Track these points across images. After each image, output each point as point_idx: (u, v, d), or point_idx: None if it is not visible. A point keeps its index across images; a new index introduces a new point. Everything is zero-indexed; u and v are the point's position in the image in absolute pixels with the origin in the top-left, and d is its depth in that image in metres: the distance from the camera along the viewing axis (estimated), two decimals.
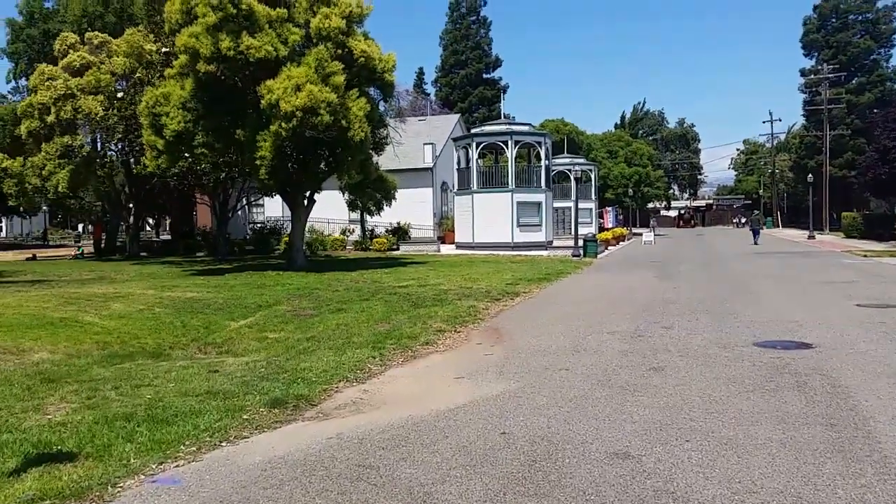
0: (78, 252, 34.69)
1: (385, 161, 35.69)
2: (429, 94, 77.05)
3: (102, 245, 36.85)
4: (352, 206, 32.90)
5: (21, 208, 48.46)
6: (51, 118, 29.05)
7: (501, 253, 28.91)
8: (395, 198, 33.71)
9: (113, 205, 35.40)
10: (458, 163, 33.90)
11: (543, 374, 7.34)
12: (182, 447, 5.25)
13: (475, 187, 31.67)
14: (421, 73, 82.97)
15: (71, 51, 30.89)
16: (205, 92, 19.77)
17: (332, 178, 24.70)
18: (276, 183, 20.18)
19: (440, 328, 10.65)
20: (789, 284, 16.20)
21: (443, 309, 12.71)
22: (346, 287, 16.59)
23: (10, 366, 8.65)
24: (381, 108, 23.70)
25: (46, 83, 29.19)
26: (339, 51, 19.76)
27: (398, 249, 32.76)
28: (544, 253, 28.79)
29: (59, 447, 5.23)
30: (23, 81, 37.53)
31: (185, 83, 19.97)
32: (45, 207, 65.77)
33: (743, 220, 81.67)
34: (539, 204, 31.56)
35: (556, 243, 33.02)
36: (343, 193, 26.06)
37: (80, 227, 75.37)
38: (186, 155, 20.60)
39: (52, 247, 51.66)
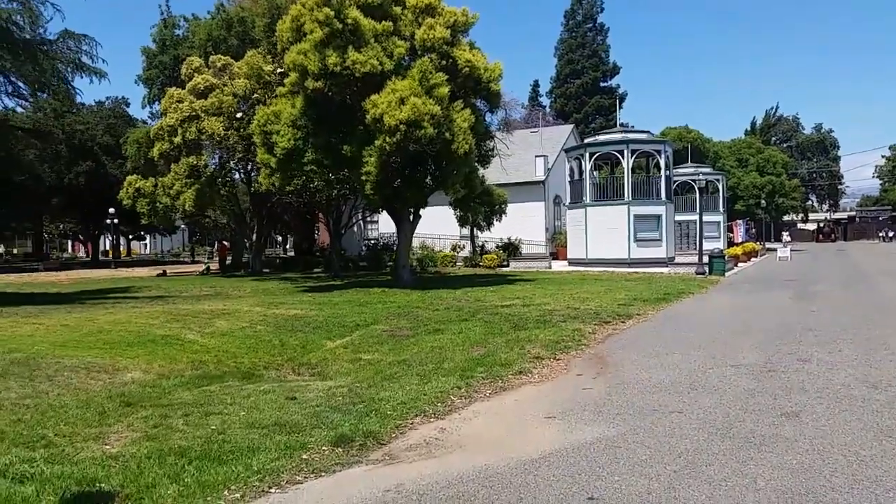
0: (205, 269, 36.39)
1: (494, 174, 35.09)
2: (544, 107, 76.02)
3: (228, 262, 38.54)
4: (461, 221, 32.56)
5: (160, 227, 52.00)
6: (177, 139, 30.62)
7: (617, 270, 27.39)
8: (505, 212, 33.16)
9: (238, 222, 36.89)
10: (571, 175, 32.68)
11: (650, 418, 6.29)
12: (227, 492, 4.72)
13: (588, 200, 30.32)
14: (536, 85, 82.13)
15: (196, 74, 32.51)
16: (313, 109, 19.93)
17: (442, 194, 24.41)
18: (381, 198, 19.98)
19: (538, 355, 9.75)
20: None
21: (544, 332, 11.78)
22: (447, 306, 15.97)
23: (99, 385, 8.60)
24: (488, 119, 23.04)
25: (174, 106, 30.85)
26: (444, 62, 19.33)
27: (508, 266, 31.91)
28: (665, 270, 26.99)
29: (102, 485, 4.85)
30: (156, 106, 40.04)
31: (295, 101, 20.23)
32: (182, 226, 70.55)
33: (891, 234, 74.37)
34: (659, 217, 29.73)
35: (678, 260, 30.98)
36: (452, 209, 25.58)
37: (216, 244, 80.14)
38: (296, 173, 20.79)
39: (184, 263, 54.94)
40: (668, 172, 31.27)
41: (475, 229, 33.73)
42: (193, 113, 30.46)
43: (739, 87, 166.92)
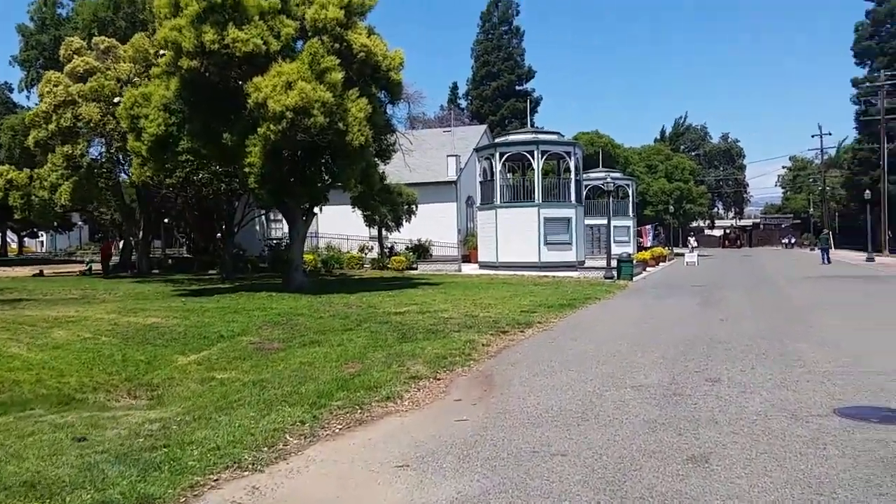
0: (86, 268, 33.26)
1: (404, 174, 33.71)
2: (462, 109, 75.21)
3: (114, 261, 35.44)
4: (369, 221, 31.00)
5: (39, 223, 47.69)
6: (52, 126, 27.73)
7: (527, 273, 26.43)
8: (414, 213, 31.81)
9: (125, 218, 33.95)
10: (483, 175, 31.60)
11: (525, 465, 4.93)
12: None
13: (499, 201, 29.30)
14: (455, 87, 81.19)
15: (76, 56, 29.56)
16: (190, 92, 17.93)
17: (349, 193, 22.74)
18: (267, 193, 18.14)
19: (417, 373, 8.32)
20: (860, 317, 13.43)
21: (433, 344, 10.40)
22: (334, 313, 14.37)
23: None
24: (389, 111, 21.54)
25: (49, 90, 27.89)
26: (337, 45, 17.72)
27: (416, 268, 30.51)
28: (574, 274, 26.24)
29: None
30: (35, 91, 36.52)
31: (170, 83, 18.16)
32: (79, 222, 65.55)
33: (793, 240, 77.59)
34: (569, 220, 29.01)
35: (589, 263, 30.40)
36: (351, 207, 23.88)
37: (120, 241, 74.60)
38: (171, 163, 18.66)
39: (75, 262, 50.67)
40: (578, 175, 30.66)
41: (383, 230, 32.17)
42: (69, 97, 27.63)
43: (650, 97, 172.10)
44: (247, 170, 17.50)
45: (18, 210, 31.28)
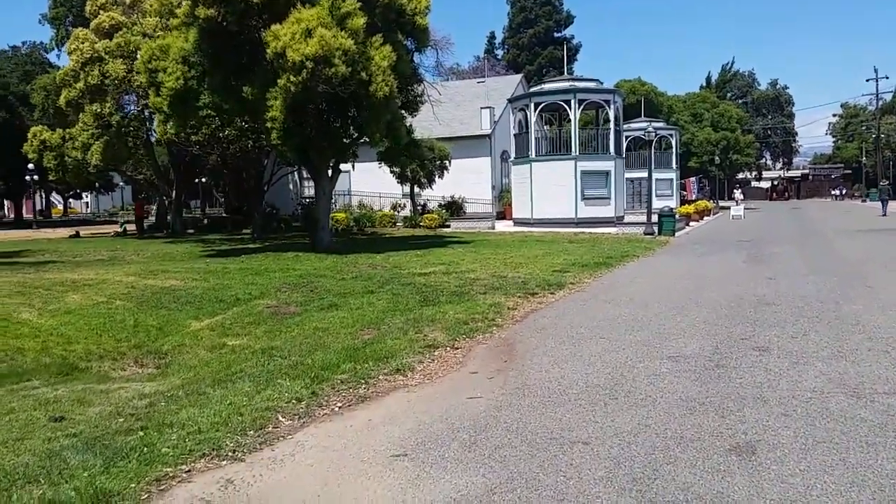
0: (121, 229, 33.42)
1: (437, 127, 32.81)
2: (499, 60, 73.24)
3: (150, 221, 35.60)
4: (401, 178, 30.27)
5: (73, 183, 48.07)
6: (80, 85, 27.47)
7: (563, 230, 25.53)
8: (447, 168, 30.96)
9: (159, 178, 33.87)
10: (519, 128, 30.46)
11: (540, 456, 4.28)
12: None
13: (533, 155, 28.23)
14: (492, 37, 79.06)
15: (101, 11, 29.12)
16: (210, 43, 17.26)
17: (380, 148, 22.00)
18: (291, 149, 17.50)
19: (433, 341, 7.70)
20: None
21: (456, 308, 9.77)
22: (357, 274, 13.82)
23: None
24: (416, 60, 20.54)
25: (76, 47, 27.56)
26: None
27: (449, 226, 29.81)
28: (612, 230, 25.23)
29: None
30: (64, 49, 36.30)
31: (189, 35, 17.51)
32: (121, 183, 66.25)
33: (844, 192, 74.41)
34: (607, 173, 27.82)
35: (629, 219, 29.25)
36: (378, 163, 23.12)
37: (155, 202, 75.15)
38: (192, 119, 18.14)
39: (112, 223, 51.32)
40: (618, 126, 29.31)
41: (416, 187, 31.44)
42: (96, 54, 27.25)
43: (695, 42, 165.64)
44: (269, 125, 16.89)
45: (52, 171, 31.33)
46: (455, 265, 14.84)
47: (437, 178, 30.61)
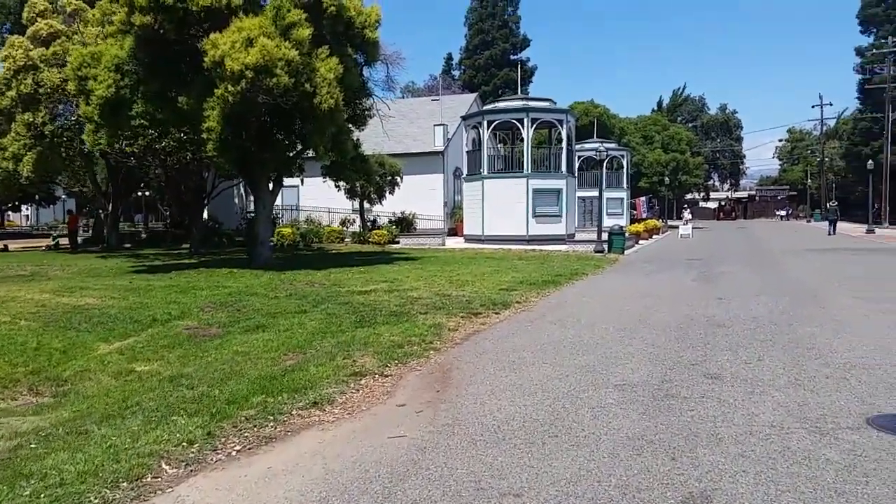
0: (53, 243, 31.75)
1: (390, 144, 32.24)
2: (456, 80, 73.16)
3: (86, 234, 33.95)
4: (350, 193, 29.53)
5: (35, 196, 45.83)
6: (11, 93, 26.00)
7: (514, 247, 25.10)
8: (398, 184, 30.34)
9: (95, 191, 32.34)
10: (471, 145, 30.04)
11: None
12: None
13: (486, 172, 27.82)
14: (449, 58, 78.82)
15: (39, 19, 27.76)
16: (145, 52, 16.37)
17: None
18: (228, 160, 16.64)
19: (362, 368, 7.00)
20: (876, 297, 12.07)
21: (393, 329, 9.08)
22: (293, 292, 13.01)
23: None
24: (366, 74, 19.93)
25: (9, 54, 26.14)
26: None
27: (398, 242, 29.10)
28: (563, 248, 24.89)
29: None
30: None
31: (124, 42, 16.58)
32: (63, 196, 63.55)
33: (789, 212, 76.33)
34: (559, 191, 27.57)
35: (580, 236, 29.03)
36: (322, 177, 22.29)
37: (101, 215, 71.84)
38: (125, 129, 17.12)
39: (49, 237, 49.06)
40: (570, 145, 29.14)
41: (365, 203, 30.68)
42: (30, 62, 25.86)
43: (648, 68, 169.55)
44: (205, 135, 16.03)
45: None
46: (398, 283, 14.15)
47: (387, 194, 29.95)
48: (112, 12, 21.59)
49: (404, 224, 31.91)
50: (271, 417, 5.39)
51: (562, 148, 28.67)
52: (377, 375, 6.80)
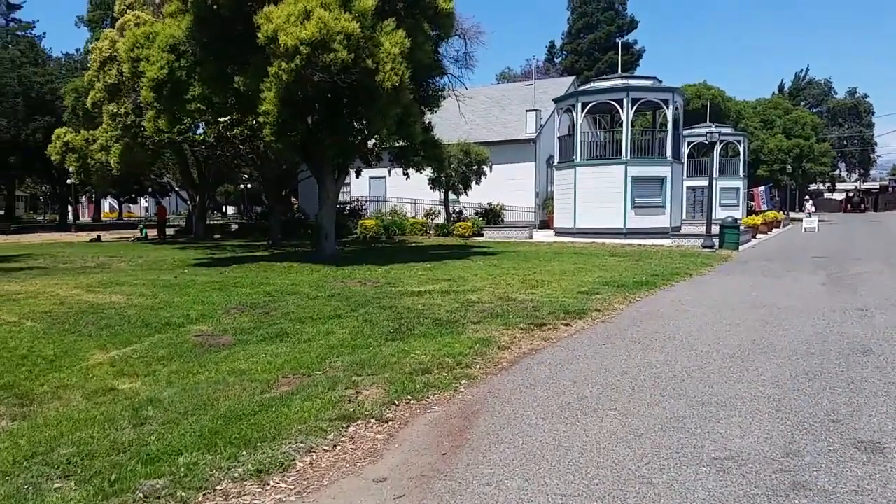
0: (141, 235, 32.04)
1: (479, 131, 30.44)
2: (556, 65, 70.22)
3: (180, 226, 34.18)
4: (435, 183, 27.92)
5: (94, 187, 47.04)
6: (99, 84, 26.17)
7: (609, 241, 22.66)
8: (485, 174, 28.44)
9: (186, 182, 32.42)
10: (567, 129, 27.62)
11: None
12: None
13: (579, 159, 25.39)
14: (552, 46, 75.75)
15: (129, 11, 27.84)
16: (202, 31, 15.30)
17: None
18: (286, 146, 15.31)
19: (360, 405, 5.26)
20: None
21: (428, 344, 7.30)
22: (338, 292, 11.42)
23: None
24: (443, 51, 18.10)
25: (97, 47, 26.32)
26: None
27: (482, 235, 27.21)
28: (666, 242, 22.17)
29: None
30: None
31: (182, 21, 15.58)
32: (176, 187, 65.88)
33: None
34: (662, 179, 24.75)
35: (686, 230, 26.06)
36: (389, 164, 20.49)
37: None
38: (181, 116, 16.15)
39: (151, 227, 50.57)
40: (677, 129, 26.16)
41: (450, 193, 28.97)
42: (114, 53, 25.83)
43: (766, 49, 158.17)
44: (261, 119, 14.81)
45: (75, 174, 30.20)
46: (461, 282, 12.28)
47: (473, 184, 28.09)
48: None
49: (491, 216, 29.96)
50: (181, 495, 3.68)
51: (667, 132, 25.78)
52: (373, 420, 4.98)
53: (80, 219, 71.78)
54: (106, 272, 15.23)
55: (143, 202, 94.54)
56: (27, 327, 9.07)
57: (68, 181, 44.07)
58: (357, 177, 27.30)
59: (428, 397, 5.53)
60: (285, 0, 14.22)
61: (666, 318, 9.05)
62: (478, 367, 6.49)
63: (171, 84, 15.30)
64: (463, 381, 5.98)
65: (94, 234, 32.50)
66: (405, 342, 7.59)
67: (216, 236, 32.66)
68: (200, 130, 21.17)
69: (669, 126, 25.68)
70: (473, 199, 30.28)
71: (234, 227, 36.21)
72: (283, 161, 24.41)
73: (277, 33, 13.66)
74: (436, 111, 18.52)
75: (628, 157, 24.67)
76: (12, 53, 49.51)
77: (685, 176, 34.13)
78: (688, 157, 38.86)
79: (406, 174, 19.63)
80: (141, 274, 14.63)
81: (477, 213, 30.31)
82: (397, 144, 17.92)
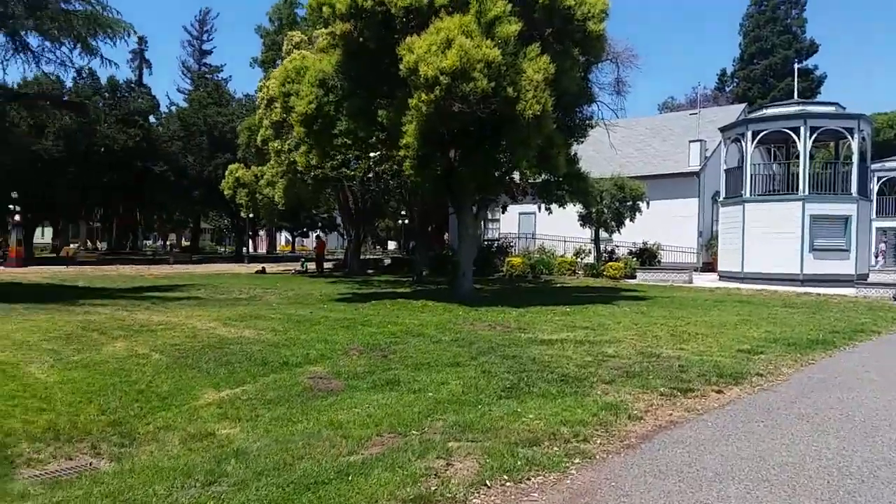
0: (302, 268, 33.43)
1: (635, 164, 28.90)
2: (725, 93, 66.09)
3: (324, 261, 35.30)
4: (584, 220, 26.71)
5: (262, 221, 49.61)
6: (266, 122, 27.81)
7: (782, 288, 20.21)
8: (640, 210, 26.77)
9: (343, 217, 33.59)
10: (736, 161, 25.33)
11: None
12: None
13: (748, 194, 23.10)
14: (723, 74, 71.51)
15: (295, 50, 29.48)
16: (349, 65, 15.52)
17: None
18: (426, 180, 15.00)
19: (445, 482, 4.54)
20: None
21: (545, 407, 6.41)
22: (462, 336, 10.69)
23: None
24: (593, 77, 17.09)
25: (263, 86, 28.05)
26: None
27: (635, 277, 25.44)
28: (851, 292, 19.35)
29: None
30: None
31: (332, 56, 15.95)
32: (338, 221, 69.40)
33: None
34: (846, 219, 21.85)
35: (876, 278, 22.82)
36: (532, 199, 19.50)
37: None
38: (329, 147, 16.41)
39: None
40: (864, 161, 23.14)
41: (602, 231, 27.53)
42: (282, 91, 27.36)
43: None
44: (402, 153, 14.65)
45: (244, 207, 32.21)
46: (600, 331, 11.11)
47: (626, 221, 26.50)
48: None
49: (646, 256, 28.08)
50: None
51: (852, 164, 22.83)
52: None
53: (257, 251, 77.29)
54: (252, 305, 15.63)
55: (314, 236, 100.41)
56: (153, 360, 9.20)
57: (241, 214, 47.54)
58: (503, 212, 26.72)
59: (528, 479, 4.60)
60: (429, 30, 14.03)
61: (845, 388, 7.41)
62: (598, 441, 5.44)
63: (320, 119, 15.59)
64: (576, 460, 4.97)
65: (259, 266, 34.41)
66: (520, 401, 6.68)
67: (369, 271, 33.40)
68: (353, 165, 21.64)
69: (855, 158, 22.73)
70: (627, 237, 28.58)
71: (388, 262, 36.92)
72: (427, 196, 24.38)
73: (418, 64, 13.44)
74: (582, 142, 17.48)
75: (806, 193, 22.06)
76: (200, 95, 54.66)
77: (873, 216, 30.18)
78: (877, 195, 34.50)
79: (548, 209, 18.66)
80: (282, 308, 14.83)
81: (630, 252, 28.57)
82: (541, 178, 17.08)
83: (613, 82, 17.60)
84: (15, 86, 36.82)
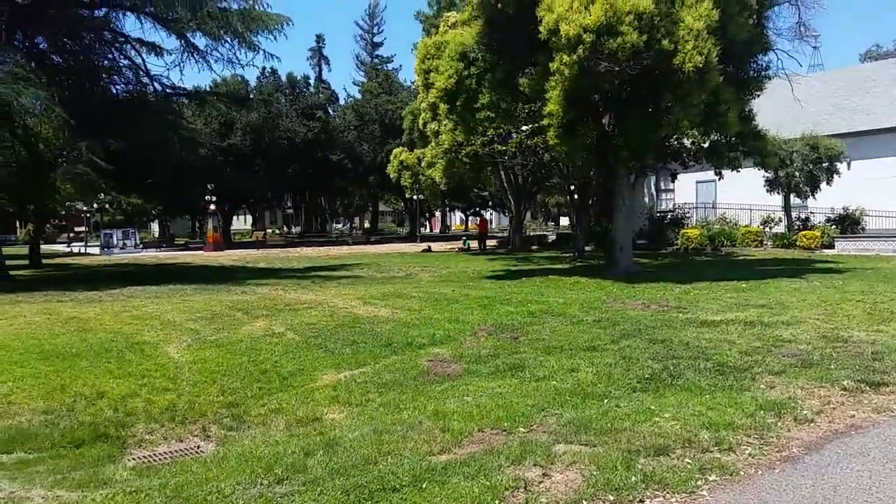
0: (464, 245, 33.31)
1: (833, 121, 25.35)
2: None
3: (487, 238, 34.87)
4: (771, 185, 23.90)
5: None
6: (423, 104, 27.77)
7: None
8: (838, 172, 23.41)
9: (503, 195, 32.98)
10: None
11: None
12: None
13: None
14: None
15: (451, 31, 29.22)
16: (495, 34, 14.72)
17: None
18: (573, 150, 13.80)
19: (541, 499, 3.60)
20: None
21: (689, 404, 5.40)
22: (605, 317, 9.56)
23: None
24: (772, 23, 14.79)
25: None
26: None
27: (833, 248, 22.21)
28: None
29: None
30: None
31: (472, 28, 15.28)
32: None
33: None
34: None
35: None
36: (707, 163, 17.30)
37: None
38: (473, 122, 15.75)
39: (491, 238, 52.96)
40: None
41: (790, 196, 24.42)
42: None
43: None
44: (546, 121, 13.64)
45: (408, 189, 32.67)
46: (777, 310, 9.47)
47: (823, 185, 23.26)
48: None
49: (847, 223, 24.45)
50: None
51: None
52: None
53: (432, 231, 79.31)
54: (403, 283, 15.49)
55: (487, 215, 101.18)
56: (286, 339, 9.13)
57: (407, 196, 48.64)
58: (673, 181, 24.49)
59: (640, 502, 3.63)
60: None
61: None
62: (747, 451, 4.30)
63: (462, 93, 14.99)
64: (711, 477, 3.90)
65: (426, 245, 34.84)
66: (657, 396, 5.63)
67: (533, 247, 32.57)
68: (507, 140, 20.89)
69: None
70: (824, 203, 25.12)
71: (552, 238, 35.81)
72: (576, 167, 23.00)
73: (559, 23, 12.34)
74: (759, 96, 15.20)
75: None
76: (371, 86, 56.64)
77: None
78: None
79: (719, 174, 16.56)
80: (428, 286, 14.50)
81: (828, 220, 25.09)
82: (711, 138, 15.14)
83: (794, 27, 15.08)
84: (208, 88, 40.31)
